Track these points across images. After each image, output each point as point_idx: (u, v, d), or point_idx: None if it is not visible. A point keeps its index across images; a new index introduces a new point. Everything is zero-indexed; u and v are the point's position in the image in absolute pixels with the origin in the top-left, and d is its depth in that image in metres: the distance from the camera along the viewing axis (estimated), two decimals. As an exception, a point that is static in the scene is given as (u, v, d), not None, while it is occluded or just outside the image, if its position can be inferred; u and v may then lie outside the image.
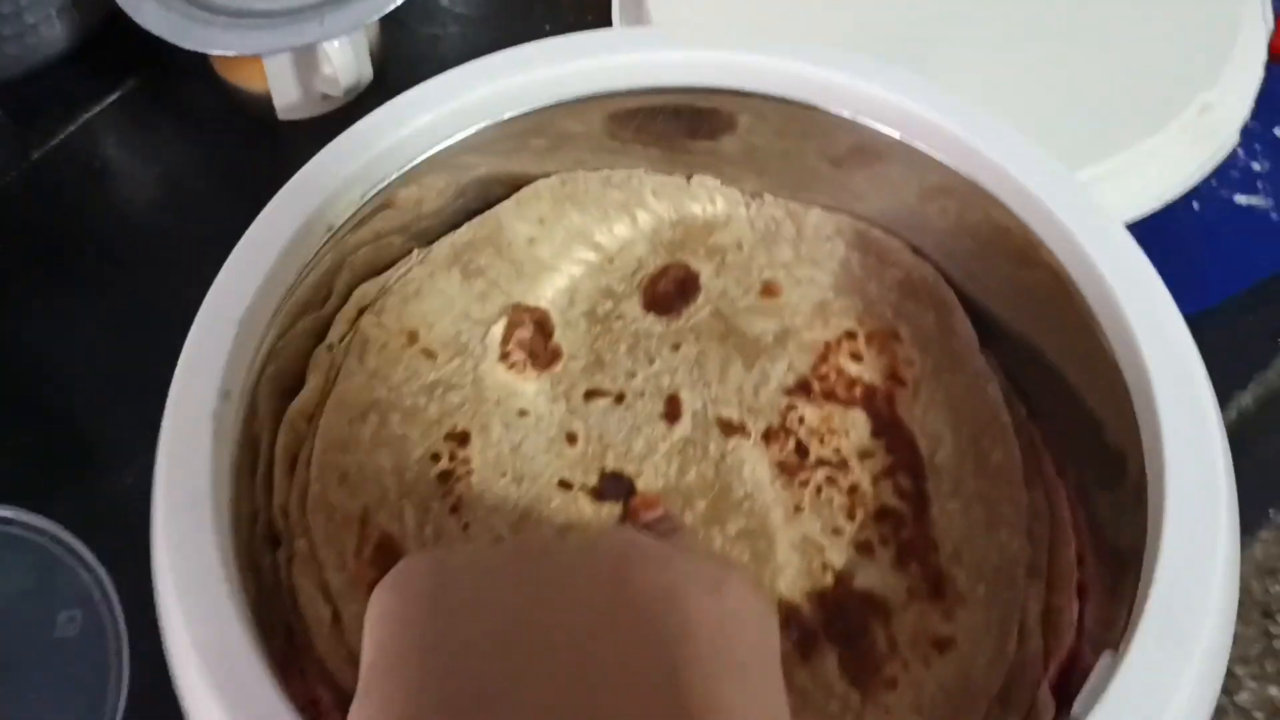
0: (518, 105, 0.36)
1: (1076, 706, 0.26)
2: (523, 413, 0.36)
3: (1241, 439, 0.42)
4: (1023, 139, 0.35)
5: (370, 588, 0.33)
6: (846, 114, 0.37)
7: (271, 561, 0.33)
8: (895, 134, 0.36)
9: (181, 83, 0.52)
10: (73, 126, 0.51)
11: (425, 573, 0.24)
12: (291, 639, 0.32)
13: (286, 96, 0.49)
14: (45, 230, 0.48)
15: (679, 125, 0.39)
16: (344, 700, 0.32)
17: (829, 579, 0.33)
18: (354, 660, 0.32)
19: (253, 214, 0.34)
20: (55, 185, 0.50)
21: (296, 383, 0.36)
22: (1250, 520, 0.40)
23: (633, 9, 0.50)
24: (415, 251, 0.38)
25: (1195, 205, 0.46)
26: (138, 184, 0.51)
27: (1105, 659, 0.27)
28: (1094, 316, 0.32)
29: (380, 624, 0.23)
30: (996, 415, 0.35)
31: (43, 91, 0.51)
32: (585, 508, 0.34)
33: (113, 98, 0.52)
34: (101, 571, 0.39)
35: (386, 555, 0.34)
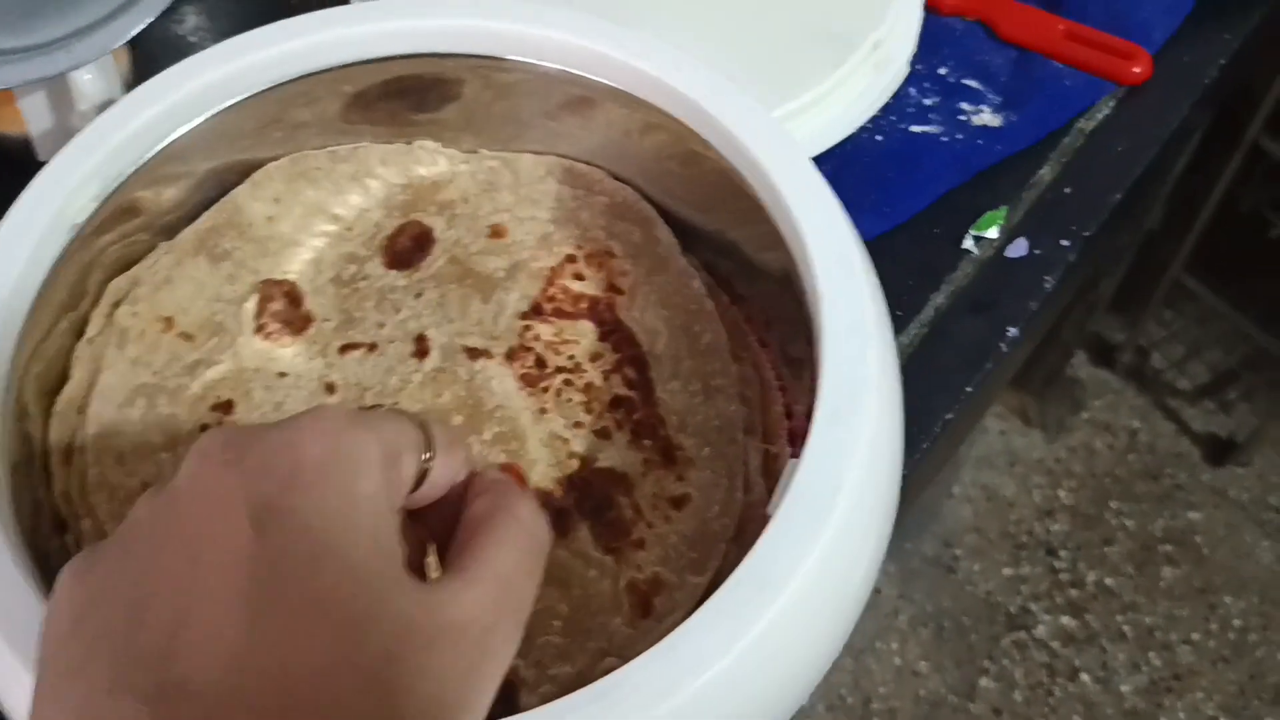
0: (237, 91, 0.40)
1: (769, 507, 0.31)
2: (282, 375, 0.39)
3: (940, 331, 0.49)
4: (714, 78, 0.39)
5: None
6: (570, 70, 0.41)
7: (60, 545, 0.36)
8: (608, 84, 0.40)
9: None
10: None
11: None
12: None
13: (45, 136, 0.50)
14: None
15: (407, 101, 0.43)
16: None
17: (575, 464, 0.37)
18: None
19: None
20: None
21: (62, 379, 0.38)
22: (954, 387, 0.47)
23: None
24: (162, 244, 0.41)
25: (879, 138, 0.54)
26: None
27: (790, 465, 0.31)
28: (765, 216, 0.37)
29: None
30: (702, 305, 0.40)
31: None
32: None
33: None
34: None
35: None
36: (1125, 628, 1.38)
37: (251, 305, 0.40)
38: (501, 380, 0.38)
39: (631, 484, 0.37)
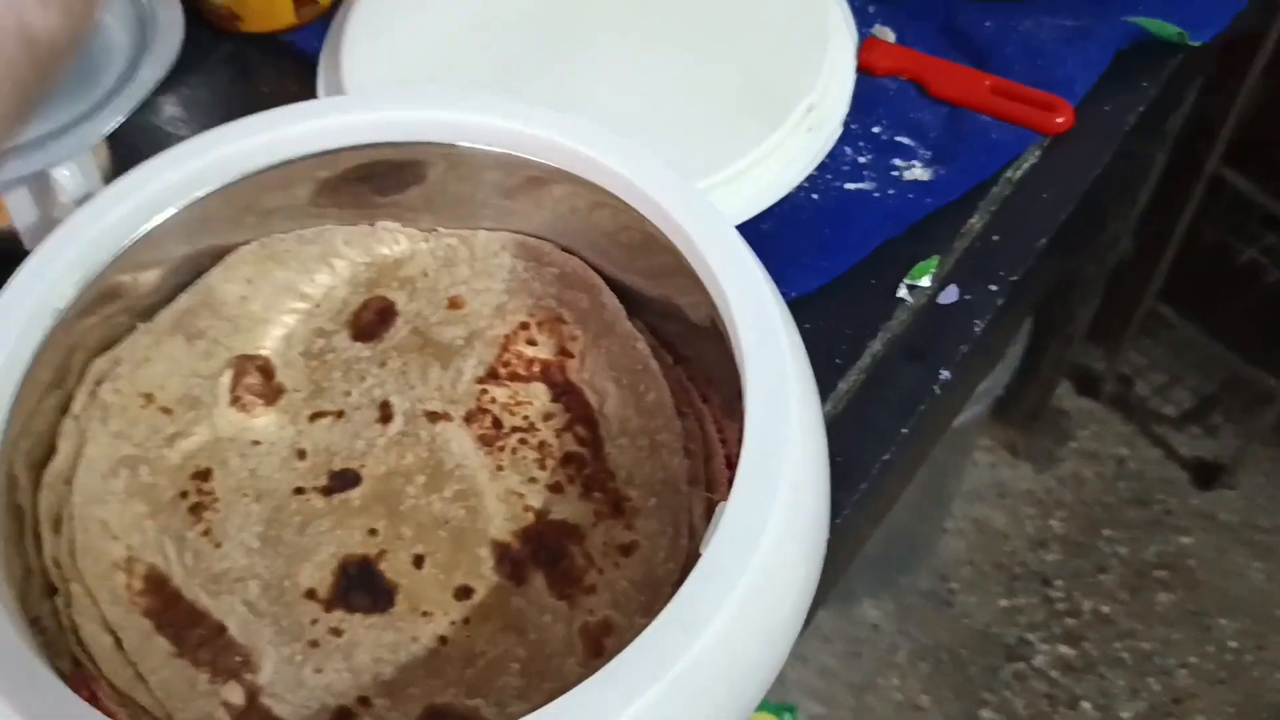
0: (212, 181, 0.42)
1: (701, 547, 0.33)
2: (256, 443, 0.42)
3: (877, 377, 0.51)
4: (655, 161, 0.41)
5: (146, 614, 0.38)
6: (520, 154, 0.43)
7: (51, 608, 0.38)
8: (554, 165, 0.43)
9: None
10: None
11: None
12: (79, 667, 0.37)
13: (30, 228, 0.53)
14: None
15: (373, 185, 0.46)
16: (137, 715, 0.37)
17: (530, 517, 0.40)
18: (141, 678, 0.37)
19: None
20: None
21: (50, 453, 0.41)
22: (890, 430, 0.49)
23: (334, 86, 0.57)
24: (141, 325, 0.44)
25: (815, 196, 0.56)
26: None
27: (719, 509, 0.34)
28: (701, 282, 0.39)
29: None
30: (647, 365, 0.42)
31: None
32: (318, 503, 0.40)
33: None
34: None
35: (155, 584, 0.39)
36: (1123, 654, 1.39)
37: (226, 379, 0.43)
38: (460, 441, 0.41)
39: (583, 534, 0.39)
